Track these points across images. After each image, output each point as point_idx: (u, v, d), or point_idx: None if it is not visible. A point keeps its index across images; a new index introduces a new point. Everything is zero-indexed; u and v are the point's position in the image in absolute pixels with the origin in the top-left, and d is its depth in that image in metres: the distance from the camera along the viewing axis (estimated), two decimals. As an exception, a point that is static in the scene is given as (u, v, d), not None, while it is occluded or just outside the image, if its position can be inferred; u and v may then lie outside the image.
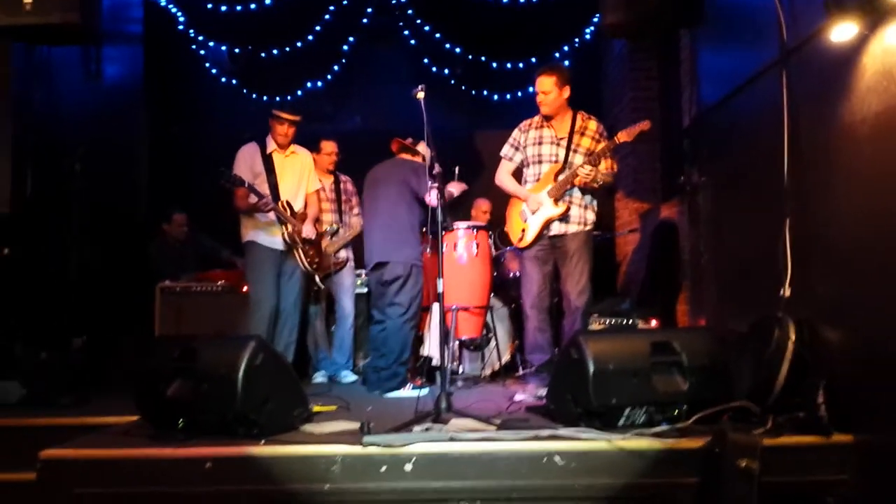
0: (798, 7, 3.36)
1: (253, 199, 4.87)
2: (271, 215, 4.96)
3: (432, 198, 4.09)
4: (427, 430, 3.09)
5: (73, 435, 3.24)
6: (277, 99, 7.12)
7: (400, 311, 4.69)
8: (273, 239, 5.01)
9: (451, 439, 2.94)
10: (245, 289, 5.33)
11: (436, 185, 3.88)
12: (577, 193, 4.62)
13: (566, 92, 4.65)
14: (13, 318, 4.42)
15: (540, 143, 4.71)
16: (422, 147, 4.92)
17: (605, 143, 4.59)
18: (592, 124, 4.71)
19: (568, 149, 4.63)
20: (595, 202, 4.72)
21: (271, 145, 5.14)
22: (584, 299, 4.57)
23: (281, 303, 5.03)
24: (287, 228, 4.99)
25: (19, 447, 3.35)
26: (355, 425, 3.12)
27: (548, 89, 4.60)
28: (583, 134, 4.67)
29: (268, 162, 5.09)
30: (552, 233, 4.63)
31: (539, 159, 4.71)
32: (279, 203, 4.98)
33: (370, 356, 4.91)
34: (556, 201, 4.58)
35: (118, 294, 5.59)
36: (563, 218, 4.59)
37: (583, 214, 4.63)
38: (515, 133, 4.86)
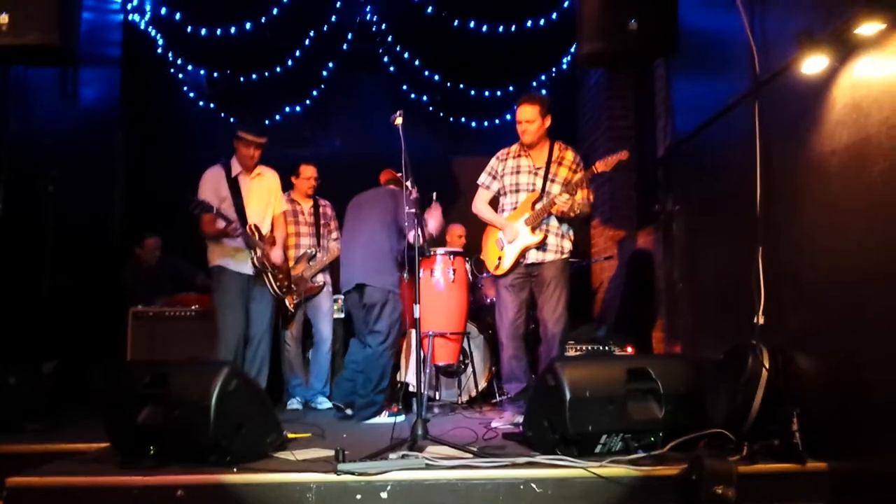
0: (770, 39, 3.43)
1: (220, 224, 4.78)
2: (239, 240, 4.88)
3: (411, 235, 4.20)
4: (403, 457, 3.06)
5: (42, 462, 3.18)
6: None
7: (379, 340, 4.65)
8: (241, 264, 4.90)
9: (428, 466, 2.92)
10: (218, 314, 5.27)
11: (413, 210, 3.89)
12: (553, 222, 4.64)
13: (548, 121, 4.68)
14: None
15: (518, 173, 4.74)
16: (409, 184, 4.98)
17: (581, 172, 4.62)
18: (570, 154, 4.75)
19: (545, 178, 4.67)
20: (571, 231, 4.74)
21: (236, 168, 5.02)
22: (560, 327, 4.57)
23: (251, 328, 4.93)
24: (256, 253, 4.91)
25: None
26: (330, 452, 3.10)
27: (531, 118, 4.63)
28: (560, 163, 4.71)
29: (234, 185, 4.97)
30: (529, 261, 4.65)
31: (516, 188, 4.73)
32: (247, 227, 4.90)
33: (347, 368, 4.84)
34: (534, 230, 4.60)
35: (90, 318, 5.51)
36: (540, 246, 4.60)
37: (559, 243, 4.65)
38: (493, 162, 4.88)
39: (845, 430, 2.86)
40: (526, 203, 4.67)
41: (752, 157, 3.44)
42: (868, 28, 2.71)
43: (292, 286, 5.30)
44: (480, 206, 4.91)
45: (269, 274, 4.97)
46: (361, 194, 5.05)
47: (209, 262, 4.97)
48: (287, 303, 5.26)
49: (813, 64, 2.99)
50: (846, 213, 2.88)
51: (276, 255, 5.06)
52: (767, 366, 3.16)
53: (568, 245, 4.70)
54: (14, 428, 4.02)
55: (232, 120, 7.21)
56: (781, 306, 3.28)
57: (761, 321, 3.32)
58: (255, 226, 4.97)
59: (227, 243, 4.90)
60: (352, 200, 5.07)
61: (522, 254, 4.63)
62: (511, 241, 4.66)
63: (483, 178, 4.90)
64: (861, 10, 2.69)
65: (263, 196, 5.13)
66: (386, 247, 4.72)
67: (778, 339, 3.25)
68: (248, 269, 4.92)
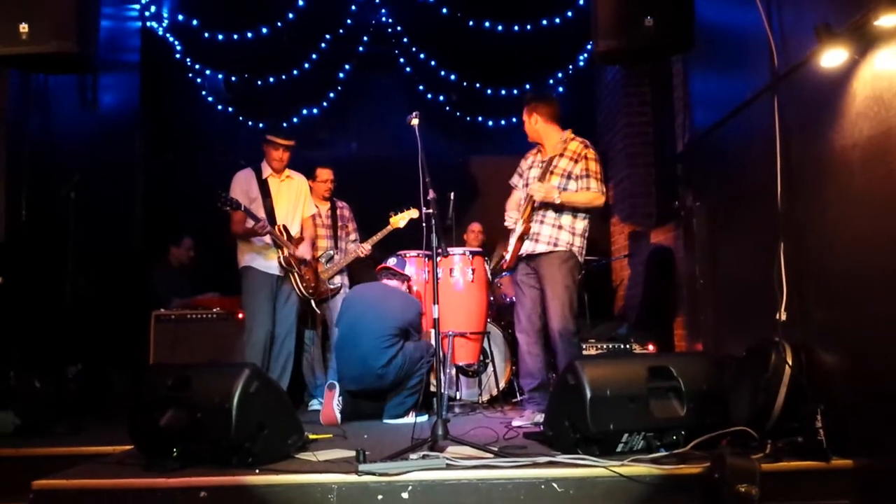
0: (788, 33, 3.40)
1: (249, 223, 4.89)
2: (267, 239, 4.96)
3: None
4: (424, 457, 3.06)
5: (67, 464, 3.22)
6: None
7: (420, 374, 4.70)
8: (269, 263, 5.00)
9: (449, 467, 2.92)
10: (241, 315, 5.31)
11: (429, 210, 3.87)
12: (551, 213, 4.48)
13: (534, 118, 4.61)
14: (7, 346, 4.39)
15: (531, 168, 4.71)
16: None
17: (584, 161, 4.47)
18: (573, 144, 4.57)
19: (545, 170, 4.58)
20: (576, 223, 4.49)
21: (266, 170, 5.16)
22: (562, 324, 4.37)
23: (276, 328, 5.01)
24: (283, 252, 4.98)
25: (12, 477, 3.31)
26: (351, 453, 3.12)
27: (524, 119, 4.68)
28: (562, 155, 4.59)
29: (263, 187, 5.11)
30: (523, 252, 4.57)
31: (527, 183, 4.69)
32: (275, 227, 4.99)
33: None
34: (525, 221, 4.53)
35: (113, 322, 5.56)
36: (533, 237, 4.52)
37: (554, 234, 4.47)
38: (521, 161, 4.85)
39: (870, 426, 2.83)
40: (527, 197, 4.64)
41: (772, 152, 3.41)
42: (888, 20, 2.67)
43: (319, 288, 5.35)
44: (507, 204, 4.85)
45: (296, 274, 5.04)
46: (362, 289, 5.09)
47: (238, 263, 5.07)
48: (313, 303, 5.29)
49: (832, 57, 2.96)
50: (869, 206, 2.84)
51: (302, 249, 5.12)
52: (790, 362, 3.12)
53: (566, 237, 4.45)
54: (39, 431, 4.07)
55: (250, 123, 7.28)
56: (804, 302, 3.24)
57: (784, 317, 3.29)
58: (284, 226, 5.07)
59: (255, 242, 5.00)
60: (352, 290, 5.15)
61: (519, 246, 4.58)
62: (512, 234, 4.63)
63: (512, 178, 4.87)
64: (880, 2, 2.65)
65: (292, 198, 5.23)
66: (389, 345, 4.65)
67: (801, 335, 3.21)
68: (275, 269, 5.01)
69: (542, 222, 4.50)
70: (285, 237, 5.03)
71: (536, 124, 4.64)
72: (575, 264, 4.49)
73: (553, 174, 4.53)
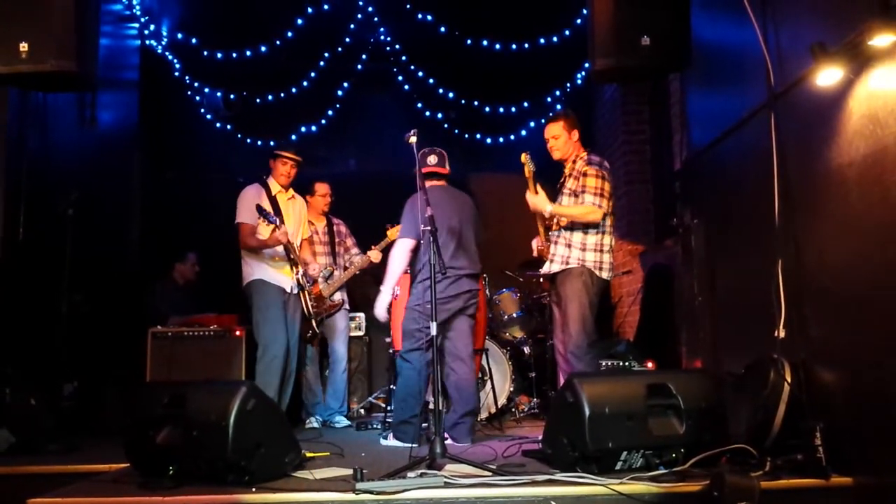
0: (784, 52, 3.42)
1: (261, 234, 4.89)
2: (280, 250, 4.94)
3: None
4: (421, 475, 3.06)
5: (62, 482, 3.21)
6: (272, 143, 7.13)
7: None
8: (282, 277, 5.00)
9: (447, 485, 2.91)
10: (238, 333, 5.29)
11: (428, 228, 3.87)
12: (564, 232, 4.50)
13: (575, 135, 4.60)
14: (3, 363, 4.37)
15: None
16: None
17: (583, 178, 4.43)
18: (579, 163, 4.54)
19: (558, 191, 4.60)
20: (587, 238, 4.44)
21: (275, 187, 5.15)
22: (573, 344, 4.34)
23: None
24: (298, 270, 4.99)
25: (7, 495, 3.30)
26: (348, 471, 3.10)
27: (557, 134, 4.57)
28: (571, 174, 4.60)
29: (273, 203, 5.08)
30: (543, 272, 4.61)
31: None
32: (290, 243, 4.99)
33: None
34: (540, 236, 4.61)
35: (109, 339, 5.54)
36: (550, 258, 4.53)
37: (566, 253, 4.47)
38: None
39: (870, 444, 2.82)
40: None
41: (769, 169, 3.42)
42: (881, 40, 2.69)
43: (320, 310, 5.35)
44: None
45: (307, 292, 5.05)
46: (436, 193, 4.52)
47: (246, 278, 5.01)
48: (314, 324, 5.26)
49: (827, 76, 2.98)
50: (865, 224, 2.85)
51: (313, 268, 5.19)
52: (789, 379, 3.12)
53: (577, 254, 4.43)
54: (34, 449, 4.05)
55: (248, 141, 7.30)
56: (802, 319, 3.24)
57: (782, 334, 3.28)
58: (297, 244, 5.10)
59: (268, 255, 4.98)
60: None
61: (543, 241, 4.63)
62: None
63: None
64: (873, 22, 2.67)
65: (297, 217, 5.27)
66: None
67: (800, 352, 3.21)
68: (288, 285, 5.01)
69: (556, 243, 4.53)
70: (297, 254, 5.05)
71: (573, 140, 4.60)
72: (589, 279, 4.42)
73: (563, 195, 4.54)
